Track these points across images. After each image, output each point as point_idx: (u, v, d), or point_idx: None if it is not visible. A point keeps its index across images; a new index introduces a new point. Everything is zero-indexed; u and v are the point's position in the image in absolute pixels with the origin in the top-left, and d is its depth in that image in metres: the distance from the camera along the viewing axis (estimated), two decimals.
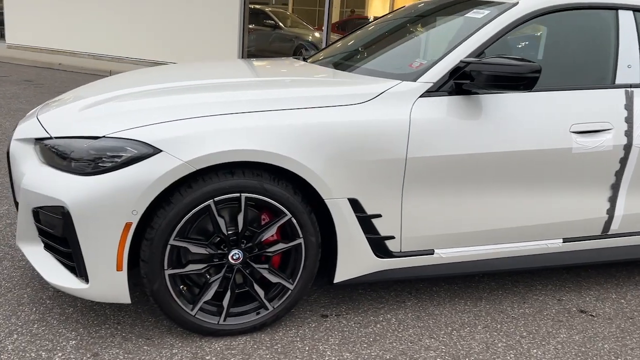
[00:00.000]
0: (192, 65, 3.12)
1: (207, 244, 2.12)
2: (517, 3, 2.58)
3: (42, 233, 2.21)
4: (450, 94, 2.36)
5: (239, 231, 2.14)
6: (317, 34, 13.31)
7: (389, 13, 3.58)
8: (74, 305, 2.41)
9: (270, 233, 2.18)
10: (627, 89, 2.65)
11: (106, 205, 1.97)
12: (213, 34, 10.72)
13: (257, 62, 3.21)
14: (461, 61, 2.35)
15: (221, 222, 2.10)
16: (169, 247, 2.05)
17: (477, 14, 2.66)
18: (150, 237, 2.02)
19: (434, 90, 2.35)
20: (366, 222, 2.28)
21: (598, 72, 2.66)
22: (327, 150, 2.15)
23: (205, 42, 10.69)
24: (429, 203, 2.35)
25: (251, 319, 2.24)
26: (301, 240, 2.21)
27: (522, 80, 2.20)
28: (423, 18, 3.05)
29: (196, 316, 2.17)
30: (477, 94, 2.39)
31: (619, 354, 2.31)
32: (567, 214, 2.60)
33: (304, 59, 3.36)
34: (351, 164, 2.19)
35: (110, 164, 1.99)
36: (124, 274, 2.05)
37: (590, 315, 2.62)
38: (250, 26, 11.60)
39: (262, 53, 12.64)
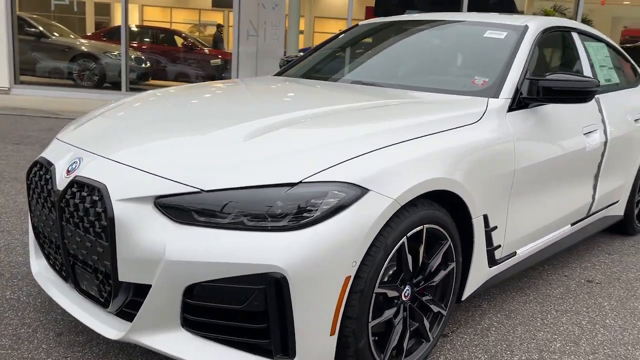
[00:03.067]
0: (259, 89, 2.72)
1: (397, 285, 1.96)
2: (527, 25, 2.94)
3: (197, 314, 1.74)
4: (518, 108, 2.60)
5: (419, 265, 2.03)
6: (87, 42, 12.09)
7: (354, 27, 3.62)
8: None
9: (437, 262, 2.11)
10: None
11: (327, 262, 1.68)
12: None
13: (300, 85, 2.93)
14: (527, 78, 2.61)
15: (409, 259, 1.96)
16: (374, 296, 1.84)
17: (495, 34, 2.94)
18: (360, 288, 1.78)
19: (511, 105, 2.55)
20: (488, 235, 2.37)
21: None
22: (473, 170, 2.18)
23: None
24: (520, 209, 2.55)
25: (419, 355, 2.14)
26: (454, 264, 2.20)
27: (588, 93, 2.56)
28: (431, 36, 3.21)
29: None
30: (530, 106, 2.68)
31: None
32: (576, 202, 3.10)
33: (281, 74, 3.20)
34: (484, 180, 2.26)
35: (317, 214, 1.69)
36: (334, 338, 1.77)
37: (597, 282, 3.17)
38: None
39: (36, 67, 10.94)
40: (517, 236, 2.60)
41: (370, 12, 10.12)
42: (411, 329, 2.08)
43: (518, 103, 2.59)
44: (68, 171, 1.97)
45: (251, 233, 1.67)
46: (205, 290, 1.70)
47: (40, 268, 2.28)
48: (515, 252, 2.65)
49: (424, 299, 2.11)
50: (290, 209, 1.68)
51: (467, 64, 2.94)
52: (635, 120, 3.65)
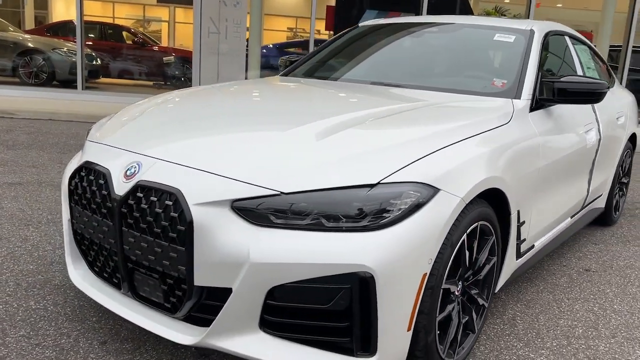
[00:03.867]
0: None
1: (456, 280, 2.04)
2: (532, 30, 3.10)
3: (276, 315, 1.75)
4: (535, 108, 2.74)
5: (473, 260, 2.12)
6: (33, 38, 11.54)
7: (354, 28, 3.68)
8: None
9: (485, 256, 2.21)
10: None
11: (408, 260, 1.73)
12: None
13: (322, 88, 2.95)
14: (543, 80, 2.75)
15: (467, 255, 2.05)
16: (441, 291, 1.91)
17: (504, 37, 3.08)
18: (431, 284, 1.85)
19: (531, 106, 2.69)
20: (518, 230, 2.50)
21: None
22: (511, 168, 2.28)
23: None
24: (540, 204, 2.70)
25: (467, 346, 2.23)
26: (495, 258, 2.30)
27: (600, 94, 2.73)
28: (438, 38, 3.31)
29: (445, 358, 2.06)
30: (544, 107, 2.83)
31: None
32: (576, 197, 3.29)
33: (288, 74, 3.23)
34: (519, 178, 2.37)
35: (396, 214, 1.74)
36: (410, 334, 1.83)
37: (593, 271, 3.38)
38: None
39: None
40: (536, 230, 2.74)
41: (331, 11, 10.21)
42: (463, 322, 2.17)
43: (535, 103, 2.73)
44: (126, 176, 1.93)
45: (332, 234, 1.70)
46: (289, 291, 1.71)
47: (81, 277, 2.21)
48: (534, 245, 2.80)
49: (472, 292, 2.21)
50: (369, 210, 1.72)
51: (483, 65, 3.06)
52: (617, 118, 3.91)
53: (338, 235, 1.70)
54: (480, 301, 2.27)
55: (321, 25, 10.99)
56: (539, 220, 2.74)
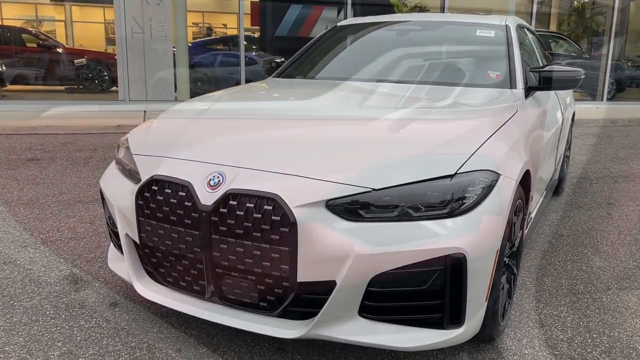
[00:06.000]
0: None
1: (507, 253, 2.31)
2: (508, 25, 3.44)
3: (375, 300, 1.92)
4: (527, 95, 3.08)
5: (513, 234, 2.40)
6: None
7: (333, 28, 3.84)
8: None
9: (518, 230, 2.50)
10: None
11: (488, 239, 1.97)
12: None
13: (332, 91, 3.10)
14: (531, 70, 3.09)
15: (513, 230, 2.32)
16: (503, 266, 2.17)
17: (484, 32, 3.40)
18: (499, 258, 2.09)
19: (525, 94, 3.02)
20: (527, 203, 2.82)
21: None
22: (529, 151, 2.58)
23: None
24: (536, 180, 3.04)
25: (508, 310, 2.51)
26: (521, 231, 2.60)
27: (578, 81, 3.11)
28: (426, 36, 3.57)
29: (500, 323, 2.32)
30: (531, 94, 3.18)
31: (618, 238, 3.58)
32: (551, 171, 3.71)
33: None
34: (533, 159, 2.67)
35: (474, 199, 1.96)
36: (486, 304, 2.07)
37: (566, 236, 3.82)
38: None
39: None
40: (533, 203, 3.09)
41: (256, 7, 10.24)
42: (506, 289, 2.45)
43: (526, 91, 3.06)
44: (210, 186, 1.99)
45: (422, 222, 1.89)
46: (389, 277, 1.88)
47: (151, 290, 2.22)
48: (532, 217, 3.16)
49: (510, 263, 2.49)
50: (452, 198, 1.93)
51: (475, 60, 3.35)
52: (566, 99, 4.40)
53: (427, 223, 1.90)
54: (514, 270, 2.56)
55: (247, 21, 10.97)
56: (534, 194, 3.09)
